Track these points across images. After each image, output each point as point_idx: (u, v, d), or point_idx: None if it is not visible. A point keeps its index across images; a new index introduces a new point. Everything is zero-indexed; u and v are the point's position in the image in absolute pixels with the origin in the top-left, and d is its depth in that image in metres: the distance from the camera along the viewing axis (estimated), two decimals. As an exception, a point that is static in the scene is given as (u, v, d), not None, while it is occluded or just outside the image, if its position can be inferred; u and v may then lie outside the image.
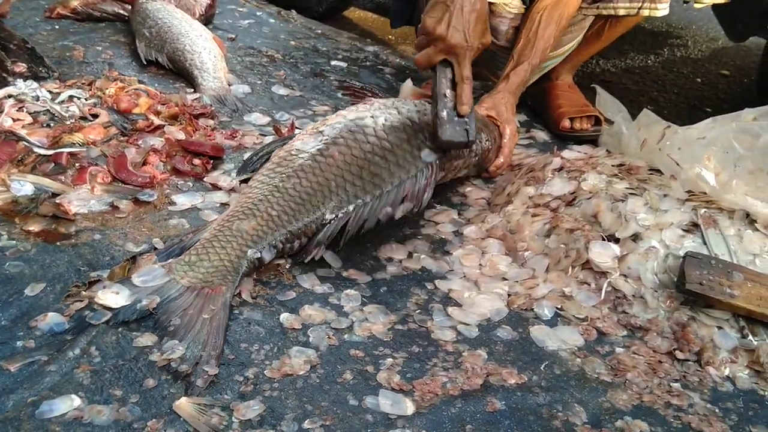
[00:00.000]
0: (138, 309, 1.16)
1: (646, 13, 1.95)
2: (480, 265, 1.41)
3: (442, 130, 1.42)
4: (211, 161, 1.65)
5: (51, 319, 1.14)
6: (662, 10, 1.94)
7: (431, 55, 1.45)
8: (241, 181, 1.54)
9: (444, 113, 1.42)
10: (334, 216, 1.35)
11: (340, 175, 1.38)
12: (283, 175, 1.37)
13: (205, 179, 1.60)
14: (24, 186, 1.44)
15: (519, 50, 1.85)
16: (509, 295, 1.33)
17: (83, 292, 1.19)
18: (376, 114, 1.47)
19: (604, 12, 1.98)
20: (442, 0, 1.43)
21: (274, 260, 1.33)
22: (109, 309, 1.16)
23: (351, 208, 1.36)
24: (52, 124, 1.64)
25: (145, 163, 1.58)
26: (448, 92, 1.44)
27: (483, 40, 1.49)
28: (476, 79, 2.26)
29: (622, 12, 1.96)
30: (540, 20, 1.83)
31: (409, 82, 1.62)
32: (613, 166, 1.53)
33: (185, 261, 1.24)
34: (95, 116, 1.70)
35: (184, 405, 1.01)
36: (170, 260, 1.25)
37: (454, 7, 1.42)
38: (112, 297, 1.17)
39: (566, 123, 2.05)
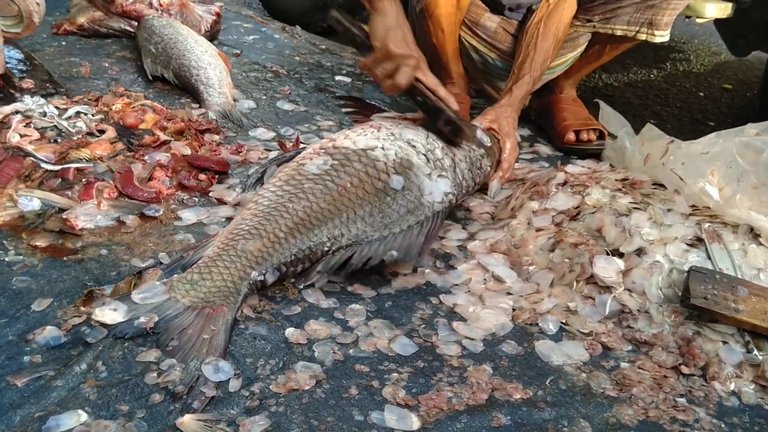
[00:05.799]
0: (135, 326, 1.15)
1: (643, 37, 1.93)
2: (484, 279, 1.41)
3: (462, 124, 1.56)
4: (217, 176, 1.66)
5: (48, 333, 1.14)
6: (660, 37, 1.92)
7: (408, 73, 1.50)
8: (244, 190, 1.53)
9: (452, 114, 1.56)
10: (341, 247, 1.34)
11: (352, 208, 1.36)
12: (293, 195, 1.35)
13: (210, 194, 1.61)
14: (31, 201, 1.45)
15: (519, 64, 1.86)
16: (514, 310, 1.34)
17: (81, 308, 1.19)
18: (387, 146, 1.46)
19: (601, 30, 1.97)
20: (372, 30, 1.50)
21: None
22: (106, 326, 1.15)
23: (360, 243, 1.35)
24: (59, 140, 1.65)
25: (151, 179, 1.59)
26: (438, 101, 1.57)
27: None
28: (478, 96, 2.28)
29: (619, 33, 1.95)
30: (538, 33, 1.85)
31: None
32: (616, 180, 1.53)
33: (187, 279, 1.22)
34: (102, 132, 1.72)
35: (187, 422, 1.00)
36: (173, 277, 1.25)
37: (390, 29, 1.48)
38: (110, 314, 1.16)
39: (571, 136, 2.06)
